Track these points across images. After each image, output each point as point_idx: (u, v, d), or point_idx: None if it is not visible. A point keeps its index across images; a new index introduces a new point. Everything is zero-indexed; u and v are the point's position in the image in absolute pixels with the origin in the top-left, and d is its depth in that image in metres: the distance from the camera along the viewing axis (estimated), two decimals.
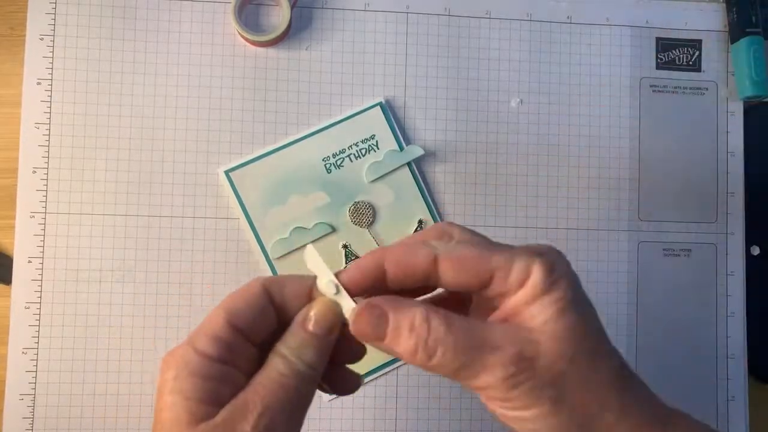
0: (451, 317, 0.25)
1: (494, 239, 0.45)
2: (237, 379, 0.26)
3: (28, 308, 0.43)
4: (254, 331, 0.27)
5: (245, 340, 0.27)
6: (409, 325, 0.25)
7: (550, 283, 0.25)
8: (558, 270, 0.25)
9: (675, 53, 0.49)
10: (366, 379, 0.45)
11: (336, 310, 0.27)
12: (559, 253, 0.27)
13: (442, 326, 0.25)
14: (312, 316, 0.27)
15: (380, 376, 0.45)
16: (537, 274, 0.25)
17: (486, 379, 0.25)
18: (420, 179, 0.46)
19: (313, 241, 0.44)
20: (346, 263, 0.45)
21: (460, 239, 0.28)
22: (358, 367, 0.45)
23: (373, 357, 0.44)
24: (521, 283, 0.25)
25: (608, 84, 0.48)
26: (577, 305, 0.25)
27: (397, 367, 0.45)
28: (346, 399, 0.44)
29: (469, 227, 0.29)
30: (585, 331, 0.25)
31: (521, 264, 0.25)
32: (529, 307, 0.25)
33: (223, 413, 0.25)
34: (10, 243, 0.43)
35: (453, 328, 0.25)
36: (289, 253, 0.44)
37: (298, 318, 0.27)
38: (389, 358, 0.44)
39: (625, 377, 0.26)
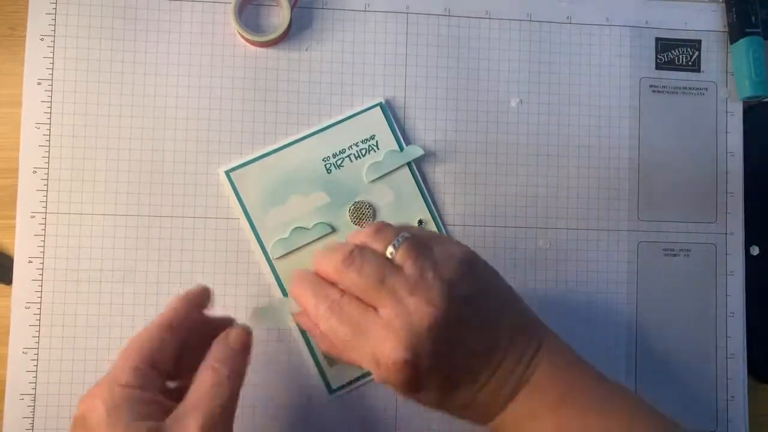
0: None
1: (494, 239, 0.47)
2: (160, 399, 0.33)
3: (29, 308, 0.43)
4: (162, 360, 0.34)
5: (154, 368, 0.34)
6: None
7: (382, 382, 0.34)
8: (390, 382, 0.34)
9: (674, 53, 0.49)
10: (367, 378, 0.45)
11: (245, 333, 0.37)
12: (398, 363, 0.32)
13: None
14: (232, 336, 0.36)
15: None
16: (375, 377, 0.34)
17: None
18: (420, 179, 0.46)
19: (313, 241, 0.44)
20: None
21: (328, 323, 0.35)
22: (360, 368, 0.45)
23: None
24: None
25: (608, 84, 0.48)
26: (406, 395, 0.34)
27: None
28: (347, 396, 0.44)
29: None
30: (416, 400, 0.35)
31: (364, 365, 0.34)
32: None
33: (169, 421, 0.32)
34: (11, 243, 0.43)
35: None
36: (289, 253, 0.44)
37: (220, 339, 0.36)
38: None
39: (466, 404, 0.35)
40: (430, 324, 0.32)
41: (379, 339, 0.32)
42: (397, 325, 0.32)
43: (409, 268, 0.34)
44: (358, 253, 0.35)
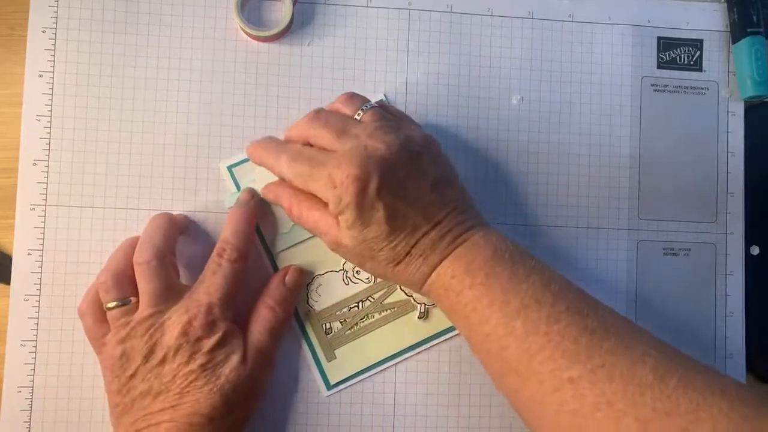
0: (303, 205, 0.40)
1: None
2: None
3: (27, 300, 0.43)
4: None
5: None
6: (280, 201, 0.42)
7: (338, 211, 0.38)
8: (343, 200, 0.37)
9: (676, 53, 0.49)
10: (364, 375, 0.45)
11: (299, 273, 0.44)
12: (350, 177, 0.37)
13: (293, 209, 0.41)
14: (289, 276, 0.44)
15: (378, 372, 0.45)
16: (330, 205, 0.38)
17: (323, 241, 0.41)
18: None
19: (313, 236, 0.44)
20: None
21: (290, 160, 0.40)
22: (358, 363, 0.45)
23: (372, 354, 0.45)
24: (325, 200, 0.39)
25: (609, 83, 0.48)
26: (357, 224, 0.37)
27: (395, 363, 0.45)
28: (345, 394, 0.44)
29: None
30: (363, 240, 0.38)
31: (320, 194, 0.38)
32: (335, 218, 0.39)
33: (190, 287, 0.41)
34: (10, 243, 0.43)
35: (302, 213, 0.41)
36: (290, 247, 0.44)
37: (278, 278, 0.43)
38: (387, 354, 0.45)
39: (399, 257, 0.39)
40: (381, 156, 0.37)
41: (335, 164, 0.37)
42: (352, 153, 0.37)
43: (371, 123, 0.40)
44: (324, 112, 0.41)
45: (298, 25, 0.46)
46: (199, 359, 0.38)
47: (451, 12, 0.47)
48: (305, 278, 0.44)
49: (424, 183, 0.39)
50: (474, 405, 0.45)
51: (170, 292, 0.39)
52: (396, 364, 0.45)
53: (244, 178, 0.45)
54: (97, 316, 0.40)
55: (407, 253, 0.38)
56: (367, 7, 0.47)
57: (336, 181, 0.37)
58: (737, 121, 0.49)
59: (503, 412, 0.45)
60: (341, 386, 0.44)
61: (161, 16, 0.45)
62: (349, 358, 0.44)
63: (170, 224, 0.42)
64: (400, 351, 0.45)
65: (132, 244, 0.41)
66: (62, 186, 0.44)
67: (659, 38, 0.49)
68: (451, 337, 0.45)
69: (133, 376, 0.38)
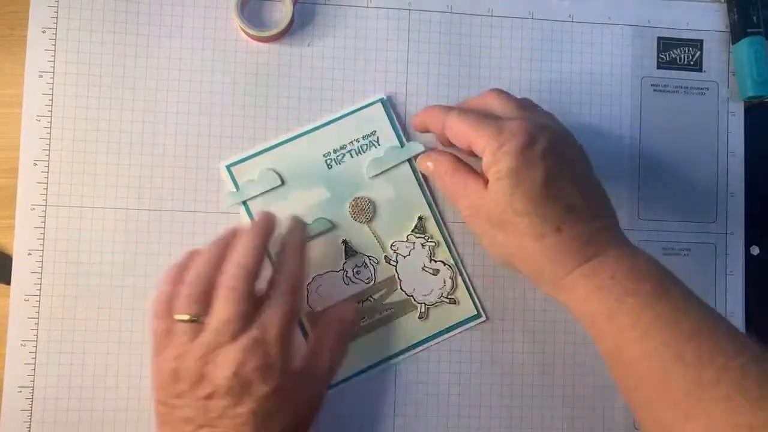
0: (458, 168, 0.40)
1: None
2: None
3: (28, 300, 0.43)
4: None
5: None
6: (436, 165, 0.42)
7: (494, 160, 0.36)
8: (505, 147, 0.36)
9: (676, 53, 0.49)
10: (364, 375, 0.45)
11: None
12: (521, 129, 0.36)
13: (447, 173, 0.40)
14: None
15: (378, 372, 0.45)
16: (487, 151, 0.36)
17: (461, 210, 0.40)
18: (420, 175, 0.46)
19: (313, 237, 0.44)
20: (345, 259, 0.45)
21: (460, 113, 0.39)
22: (359, 363, 0.45)
23: (372, 354, 0.45)
24: (483, 154, 0.37)
25: (609, 83, 0.48)
26: (511, 176, 0.35)
27: (396, 363, 0.45)
28: (345, 392, 0.44)
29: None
30: (511, 196, 0.36)
31: (481, 142, 0.37)
32: (487, 171, 0.37)
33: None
34: (10, 243, 0.43)
35: (454, 175, 0.40)
36: None
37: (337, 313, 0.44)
38: (387, 354, 0.45)
39: (543, 237, 0.36)
40: (557, 129, 0.38)
41: (507, 120, 0.37)
42: (528, 118, 0.37)
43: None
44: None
45: (298, 26, 0.46)
46: (249, 404, 0.35)
47: (451, 12, 0.47)
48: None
49: (592, 174, 0.38)
50: (474, 405, 0.45)
51: (242, 319, 0.36)
52: (396, 364, 0.45)
53: (243, 177, 0.45)
54: (168, 323, 0.37)
55: (557, 229, 0.35)
56: (367, 7, 0.47)
57: (505, 130, 0.36)
58: (737, 121, 0.49)
59: (503, 413, 0.45)
60: (341, 385, 0.44)
61: (161, 17, 0.45)
62: (349, 357, 0.44)
63: (265, 243, 0.39)
64: (400, 351, 0.45)
65: (221, 254, 0.38)
66: (62, 186, 0.44)
67: (659, 38, 0.49)
68: (451, 337, 0.45)
69: (179, 396, 0.35)
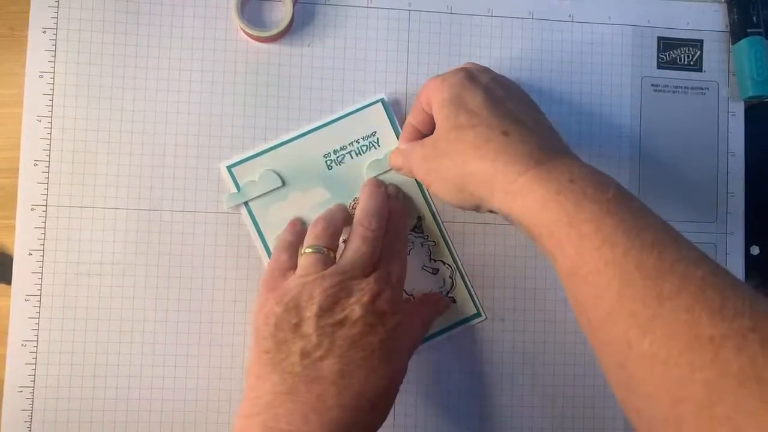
0: (413, 144, 0.42)
1: (494, 236, 0.47)
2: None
3: (28, 301, 0.43)
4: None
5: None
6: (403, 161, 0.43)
7: (439, 95, 0.39)
8: (448, 80, 0.38)
9: (676, 53, 0.49)
10: None
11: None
12: (462, 67, 0.40)
13: (406, 154, 0.42)
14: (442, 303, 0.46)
15: None
16: (432, 89, 0.40)
17: (422, 172, 0.41)
18: None
19: None
20: None
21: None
22: None
23: None
24: (432, 101, 0.40)
25: (609, 83, 0.48)
26: (454, 99, 0.38)
27: None
28: None
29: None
30: (456, 118, 0.37)
31: (429, 86, 0.40)
32: (436, 115, 0.39)
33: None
34: (11, 243, 0.43)
35: (412, 151, 0.41)
36: None
37: (437, 302, 0.46)
38: None
39: (488, 141, 0.36)
40: (484, 68, 0.41)
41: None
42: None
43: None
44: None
45: (298, 26, 0.46)
46: (381, 334, 0.36)
47: (450, 13, 0.47)
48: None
49: (543, 114, 0.40)
50: (474, 405, 0.45)
51: (374, 259, 0.39)
52: None
53: (244, 178, 0.45)
54: (292, 255, 0.41)
55: (504, 132, 0.35)
56: (367, 7, 0.47)
57: (447, 73, 0.40)
58: (737, 121, 0.49)
59: (503, 412, 0.45)
60: None
61: (161, 17, 0.45)
62: None
63: (387, 205, 0.43)
64: None
65: (345, 209, 0.44)
66: (63, 186, 0.44)
67: (659, 38, 0.49)
68: (451, 335, 0.45)
69: (296, 328, 0.35)
